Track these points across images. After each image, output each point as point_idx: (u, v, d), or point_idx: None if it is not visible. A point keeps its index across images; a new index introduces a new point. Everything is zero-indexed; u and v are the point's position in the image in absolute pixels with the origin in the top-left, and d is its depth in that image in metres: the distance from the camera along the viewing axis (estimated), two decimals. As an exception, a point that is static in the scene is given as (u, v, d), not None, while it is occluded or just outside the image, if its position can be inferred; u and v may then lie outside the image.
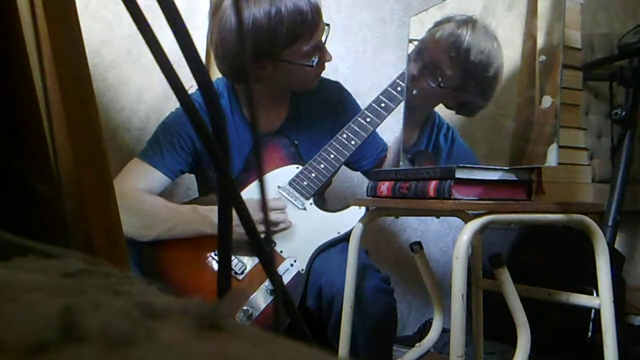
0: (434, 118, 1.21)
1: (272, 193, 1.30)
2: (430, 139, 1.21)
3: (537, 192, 1.01)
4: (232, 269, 1.22)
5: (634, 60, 1.82)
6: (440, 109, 1.20)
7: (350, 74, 1.92)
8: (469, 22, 1.10)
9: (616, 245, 1.84)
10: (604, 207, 1.78)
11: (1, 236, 0.27)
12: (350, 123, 1.31)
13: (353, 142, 1.30)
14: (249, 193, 1.26)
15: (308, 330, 0.39)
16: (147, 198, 1.26)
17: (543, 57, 0.95)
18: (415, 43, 1.23)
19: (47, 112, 0.45)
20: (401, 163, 1.22)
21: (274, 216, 1.26)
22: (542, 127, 0.93)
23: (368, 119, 1.31)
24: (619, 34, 1.94)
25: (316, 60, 1.27)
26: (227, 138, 0.36)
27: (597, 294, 1.02)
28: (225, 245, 0.37)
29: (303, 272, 1.26)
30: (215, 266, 1.24)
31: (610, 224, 1.79)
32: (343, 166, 1.37)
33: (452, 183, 0.93)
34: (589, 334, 1.49)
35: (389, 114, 1.32)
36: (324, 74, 1.37)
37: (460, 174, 0.93)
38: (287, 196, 1.30)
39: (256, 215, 0.91)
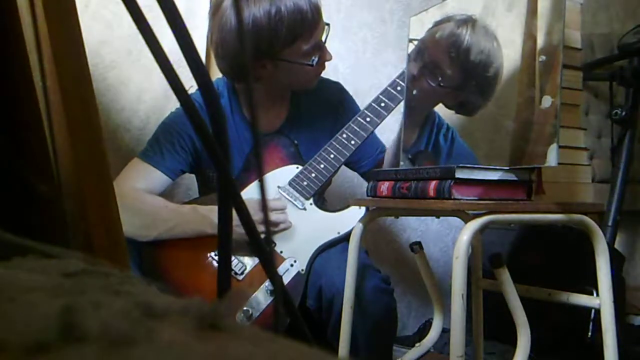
0: (433, 118, 1.21)
1: (272, 193, 1.30)
2: (430, 138, 1.21)
3: (537, 192, 1.01)
4: (232, 269, 1.22)
5: (634, 60, 1.82)
6: (440, 109, 1.20)
7: (350, 74, 1.92)
8: (469, 21, 1.10)
9: (616, 245, 1.84)
10: (604, 207, 1.78)
11: (1, 236, 0.27)
12: (350, 123, 1.31)
13: (353, 142, 1.30)
14: (249, 193, 1.26)
15: (308, 330, 0.39)
16: (147, 198, 1.26)
17: (543, 57, 0.95)
18: (415, 43, 1.23)
19: (47, 112, 0.45)
20: (401, 163, 1.22)
21: (274, 216, 1.26)
22: (542, 127, 0.93)
23: (368, 119, 1.31)
24: (619, 34, 1.94)
25: (316, 59, 1.27)
26: (227, 138, 0.36)
27: (597, 294, 1.02)
28: (225, 245, 0.37)
29: (303, 272, 1.26)
30: (215, 266, 1.24)
31: (610, 224, 1.79)
32: (343, 166, 1.37)
33: (452, 183, 0.93)
34: (589, 334, 1.49)
35: (388, 114, 1.31)
36: (324, 74, 1.37)
37: (460, 174, 0.93)
38: (287, 196, 1.30)
39: (256, 215, 0.91)
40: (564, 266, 1.53)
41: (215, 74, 1.41)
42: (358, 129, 1.30)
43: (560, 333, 1.52)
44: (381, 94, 1.31)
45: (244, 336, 0.19)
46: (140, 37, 0.32)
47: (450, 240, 2.04)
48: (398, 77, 1.31)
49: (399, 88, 1.29)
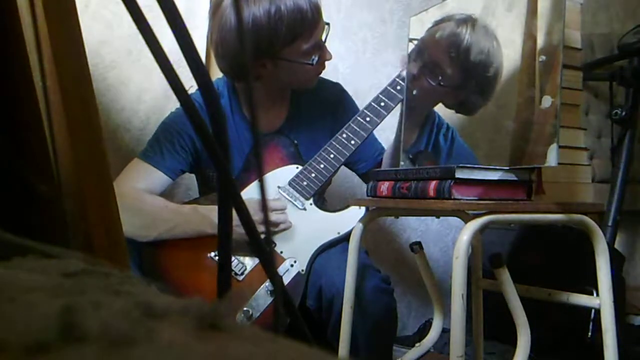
0: (433, 118, 1.21)
1: (272, 193, 1.30)
2: (430, 138, 1.21)
3: (537, 192, 1.01)
4: (232, 270, 1.22)
5: (634, 60, 1.82)
6: (440, 109, 1.20)
7: (350, 74, 1.92)
8: (469, 20, 1.11)
9: (616, 245, 1.84)
10: (604, 207, 1.78)
11: (1, 236, 0.27)
12: (350, 122, 1.31)
13: (353, 142, 1.30)
14: (249, 193, 1.26)
15: (308, 330, 0.39)
16: (147, 198, 1.26)
17: (543, 57, 0.95)
18: (415, 42, 1.23)
19: (47, 112, 0.45)
20: (401, 163, 1.22)
21: (274, 216, 1.26)
22: (542, 127, 0.93)
23: (368, 119, 1.30)
24: (619, 34, 1.94)
25: (316, 58, 1.27)
26: (227, 138, 0.36)
27: (597, 294, 1.02)
28: (225, 245, 0.37)
29: (303, 272, 1.26)
30: (215, 266, 1.24)
31: (610, 224, 1.79)
32: (343, 166, 1.37)
33: (452, 183, 0.93)
34: (589, 334, 1.49)
35: (388, 113, 1.31)
36: (324, 74, 1.37)
37: (460, 174, 0.93)
38: (287, 196, 1.30)
39: (256, 215, 0.91)
40: (564, 266, 1.53)
41: (215, 74, 1.41)
42: (358, 129, 1.30)
43: (560, 333, 1.52)
44: (381, 93, 1.31)
45: (244, 336, 0.19)
46: (140, 37, 0.32)
47: (450, 240, 2.04)
48: (398, 77, 1.31)
49: (398, 87, 1.29)
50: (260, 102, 1.36)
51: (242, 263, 1.25)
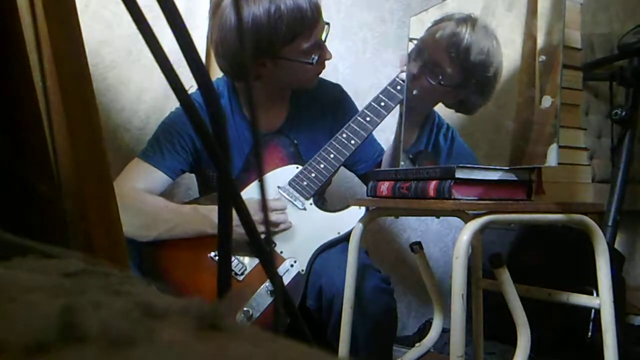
0: (433, 118, 1.21)
1: (272, 193, 1.30)
2: (430, 138, 1.21)
3: (537, 192, 1.01)
4: (232, 270, 1.22)
5: (634, 60, 1.83)
6: (440, 109, 1.20)
7: (350, 73, 1.92)
8: (469, 20, 1.11)
9: (616, 245, 1.84)
10: (604, 207, 1.78)
11: (1, 236, 0.27)
12: (350, 122, 1.31)
13: (353, 142, 1.30)
14: (249, 193, 1.26)
15: (308, 330, 0.39)
16: (147, 198, 1.26)
17: (543, 57, 0.95)
18: (415, 42, 1.23)
19: (47, 112, 0.45)
20: (401, 163, 1.22)
21: (274, 216, 1.26)
22: (542, 127, 0.93)
23: (368, 118, 1.30)
24: (619, 34, 1.94)
25: (316, 58, 1.27)
26: (227, 138, 0.36)
27: (597, 294, 1.02)
28: (225, 245, 0.37)
29: (303, 272, 1.26)
30: (215, 266, 1.24)
31: (610, 224, 1.79)
32: (342, 166, 1.37)
33: (452, 183, 0.93)
34: (589, 334, 1.49)
35: (388, 113, 1.31)
36: (324, 73, 1.37)
37: (460, 174, 0.93)
38: (287, 196, 1.30)
39: (256, 215, 0.91)
40: (564, 266, 1.53)
41: (215, 74, 1.41)
42: (358, 129, 1.30)
43: (560, 333, 1.52)
44: (381, 93, 1.31)
45: (244, 336, 0.19)
46: (140, 37, 0.32)
47: (450, 240, 2.04)
48: (398, 76, 1.31)
49: (399, 87, 1.29)
50: (260, 102, 1.36)
51: (242, 263, 1.25)
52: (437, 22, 1.18)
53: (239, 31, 0.95)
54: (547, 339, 1.44)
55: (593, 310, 1.47)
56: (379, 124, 1.32)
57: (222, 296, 0.38)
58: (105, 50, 1.55)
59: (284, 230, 1.27)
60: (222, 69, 1.31)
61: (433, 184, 0.97)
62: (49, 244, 0.28)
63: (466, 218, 0.93)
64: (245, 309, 1.21)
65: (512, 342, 1.00)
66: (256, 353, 0.18)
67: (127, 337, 0.16)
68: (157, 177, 1.28)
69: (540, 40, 0.96)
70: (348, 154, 1.30)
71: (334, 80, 1.51)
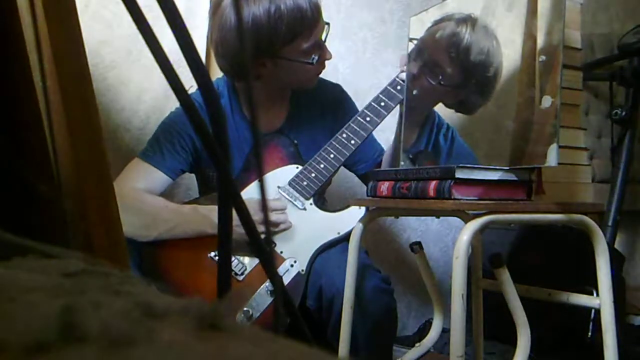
0: (433, 118, 1.21)
1: (272, 193, 1.30)
2: (430, 138, 1.21)
3: (537, 192, 1.01)
4: (232, 270, 1.22)
5: (634, 60, 1.83)
6: (440, 109, 1.20)
7: (350, 73, 1.92)
8: (469, 20, 1.11)
9: (616, 245, 1.84)
10: (604, 207, 1.78)
11: (1, 236, 0.27)
12: (350, 122, 1.31)
13: (353, 142, 1.30)
14: (249, 193, 1.26)
15: (308, 330, 0.39)
16: (147, 198, 1.26)
17: (543, 57, 0.95)
18: (415, 42, 1.23)
19: (47, 112, 0.45)
20: (401, 163, 1.22)
21: (274, 216, 1.26)
22: (542, 127, 0.93)
23: (368, 118, 1.30)
24: (619, 34, 1.94)
25: (316, 58, 1.27)
26: (227, 138, 0.36)
27: (597, 294, 1.02)
28: (225, 245, 0.37)
29: (303, 272, 1.26)
30: (215, 266, 1.24)
31: (610, 224, 1.79)
32: (343, 166, 1.37)
33: (452, 183, 0.93)
34: (589, 334, 1.49)
35: (388, 113, 1.31)
36: (324, 73, 1.37)
37: (460, 174, 0.93)
38: (287, 196, 1.30)
39: (256, 215, 0.91)
40: (564, 266, 1.53)
41: (215, 74, 1.41)
42: (358, 129, 1.30)
43: (560, 333, 1.52)
44: (381, 93, 1.31)
45: (244, 336, 0.19)
46: (140, 37, 0.32)
47: (450, 240, 2.04)
48: (398, 77, 1.31)
49: (399, 87, 1.29)
50: (260, 101, 1.36)
51: (242, 263, 1.25)
52: (437, 22, 1.18)
53: (239, 31, 0.95)
54: (547, 339, 1.44)
55: (593, 310, 1.47)
56: (379, 124, 1.32)
57: (222, 296, 0.38)
58: (105, 50, 1.55)
59: (284, 230, 1.27)
60: (222, 69, 1.31)
61: (433, 184, 0.97)
62: (49, 244, 0.28)
63: (466, 218, 0.93)
64: (245, 309, 1.21)
65: (512, 342, 1.00)
66: (256, 353, 0.18)
67: (127, 337, 0.16)
68: (157, 177, 1.28)
69: (540, 40, 0.96)
70: (348, 154, 1.30)
71: (334, 80, 1.51)
